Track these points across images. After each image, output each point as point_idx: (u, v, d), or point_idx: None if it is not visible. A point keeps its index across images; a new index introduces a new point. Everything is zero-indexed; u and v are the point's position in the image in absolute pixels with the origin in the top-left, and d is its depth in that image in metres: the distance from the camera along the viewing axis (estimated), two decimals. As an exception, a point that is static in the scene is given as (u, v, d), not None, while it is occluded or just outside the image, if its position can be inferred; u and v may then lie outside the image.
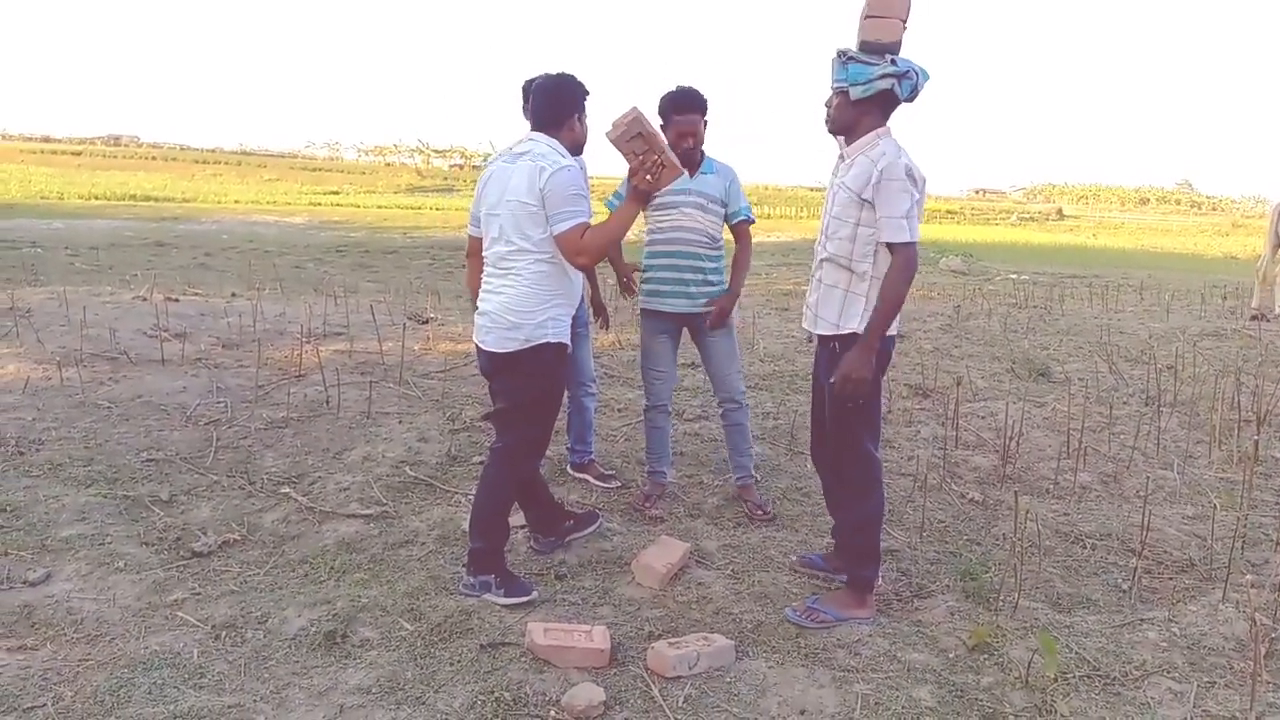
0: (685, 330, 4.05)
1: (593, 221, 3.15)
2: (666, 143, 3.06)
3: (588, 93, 3.33)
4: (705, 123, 3.83)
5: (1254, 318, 9.39)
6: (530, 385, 3.20)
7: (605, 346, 6.92)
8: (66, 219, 19.43)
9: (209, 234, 17.83)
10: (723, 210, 3.90)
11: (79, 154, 48.89)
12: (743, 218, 3.98)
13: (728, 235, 4.02)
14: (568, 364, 3.46)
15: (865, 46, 2.92)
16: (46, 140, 59.90)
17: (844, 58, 2.95)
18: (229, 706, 2.55)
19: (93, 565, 3.33)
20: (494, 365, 3.23)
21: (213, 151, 58.82)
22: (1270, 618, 3.01)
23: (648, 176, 3.04)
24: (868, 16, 2.90)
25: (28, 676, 2.64)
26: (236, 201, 29.57)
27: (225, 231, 18.75)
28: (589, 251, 3.08)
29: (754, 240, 4.20)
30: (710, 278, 3.93)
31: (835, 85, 2.99)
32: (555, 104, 3.25)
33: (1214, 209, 61.50)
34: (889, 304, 2.91)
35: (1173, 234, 35.91)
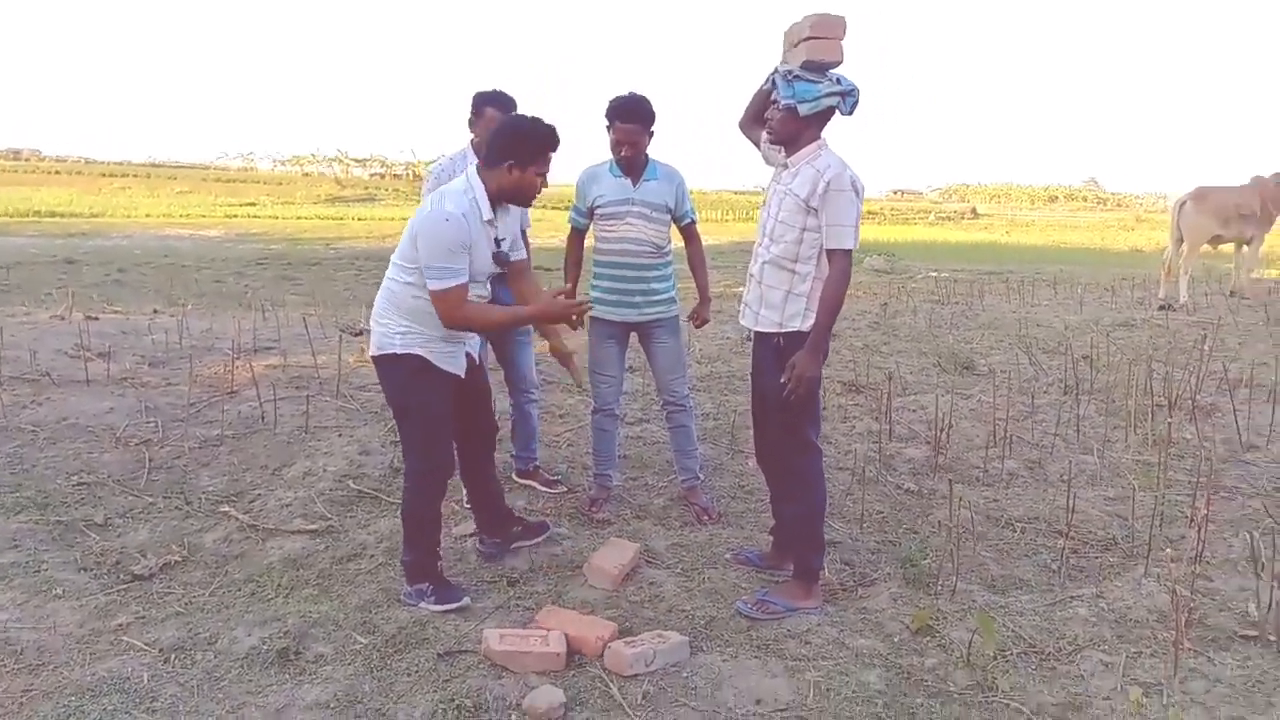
0: (634, 334, 4.09)
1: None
2: None
3: (547, 144, 3.07)
4: (651, 134, 3.82)
5: (1161, 308, 9.85)
6: (392, 392, 3.24)
7: (547, 353, 6.91)
8: (-34, 237, 18.56)
9: (121, 249, 17.21)
10: (668, 217, 3.91)
11: (-25, 169, 46.64)
12: (689, 220, 3.99)
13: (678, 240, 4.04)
14: (443, 381, 3.18)
15: (809, 66, 3.05)
16: (-61, 155, 57.01)
17: (790, 75, 3.07)
18: (185, 729, 2.51)
19: (29, 593, 3.23)
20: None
21: (120, 164, 56.51)
22: (1189, 589, 3.19)
23: None
24: (810, 38, 3.02)
25: (-32, 710, 2.56)
26: (148, 215, 28.58)
27: (138, 246, 18.13)
28: (457, 325, 3.04)
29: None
30: (655, 286, 3.93)
31: (783, 101, 3.09)
32: (495, 142, 3.08)
33: (1119, 205, 63.99)
34: (831, 306, 3.07)
35: (1081, 230, 37.25)
